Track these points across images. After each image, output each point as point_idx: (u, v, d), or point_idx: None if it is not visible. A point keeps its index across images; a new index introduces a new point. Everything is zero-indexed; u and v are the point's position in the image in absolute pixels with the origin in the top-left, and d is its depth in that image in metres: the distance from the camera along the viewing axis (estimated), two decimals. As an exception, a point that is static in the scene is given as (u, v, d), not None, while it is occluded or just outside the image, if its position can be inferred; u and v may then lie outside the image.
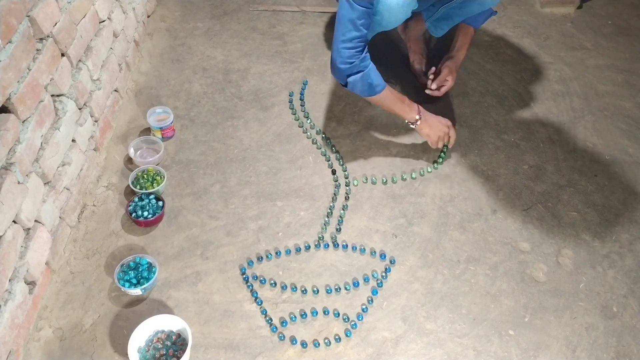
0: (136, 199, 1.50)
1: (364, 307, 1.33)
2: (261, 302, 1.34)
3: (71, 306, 1.32)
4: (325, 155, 1.69)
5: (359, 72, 1.47)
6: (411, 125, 1.62)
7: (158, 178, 1.57)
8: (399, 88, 1.88)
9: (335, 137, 1.75)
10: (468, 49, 1.78)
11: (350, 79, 1.49)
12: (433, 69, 1.78)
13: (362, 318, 1.31)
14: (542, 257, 1.44)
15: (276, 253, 1.44)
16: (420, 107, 1.61)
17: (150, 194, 1.51)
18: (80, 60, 1.50)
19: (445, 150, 1.68)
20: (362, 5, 1.39)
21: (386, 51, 2.06)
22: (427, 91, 1.76)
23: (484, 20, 1.74)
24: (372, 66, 1.50)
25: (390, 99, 1.56)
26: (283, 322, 1.30)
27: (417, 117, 1.59)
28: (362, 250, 1.45)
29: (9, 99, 1.16)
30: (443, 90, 1.75)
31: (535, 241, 1.47)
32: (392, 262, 1.42)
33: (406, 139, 1.74)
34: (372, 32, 1.70)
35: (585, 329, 1.29)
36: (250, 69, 2.00)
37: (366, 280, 1.39)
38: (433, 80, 1.76)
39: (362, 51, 1.46)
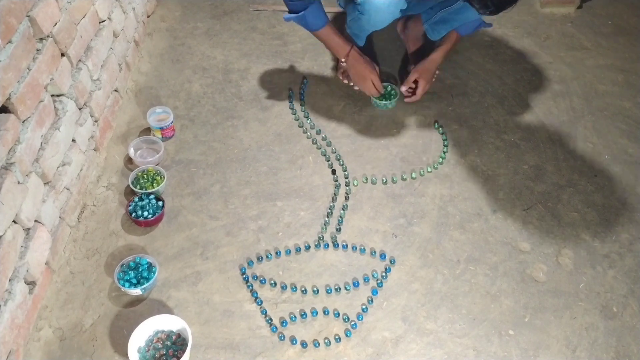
0: (136, 199, 1.50)
1: (364, 307, 1.33)
2: (261, 302, 1.34)
3: (71, 306, 1.32)
4: (325, 155, 1.69)
5: (298, 12, 1.61)
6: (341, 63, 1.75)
7: (158, 178, 1.57)
8: (398, 87, 1.88)
9: (335, 137, 1.75)
10: (447, 54, 1.78)
11: (286, 16, 1.65)
12: (411, 67, 1.81)
13: (362, 318, 1.31)
14: (542, 257, 1.44)
15: (276, 253, 1.44)
16: (352, 53, 1.69)
17: (150, 194, 1.51)
18: (80, 60, 1.50)
19: (391, 95, 1.79)
20: None
21: (386, 51, 2.06)
22: (406, 100, 1.80)
23: (473, 29, 1.74)
24: (312, 7, 1.59)
25: (322, 39, 1.69)
26: (283, 322, 1.30)
27: (343, 60, 1.71)
28: (362, 250, 1.45)
29: (9, 99, 1.16)
30: (418, 93, 1.76)
31: (535, 241, 1.47)
32: (392, 262, 1.42)
33: (406, 139, 1.74)
34: (363, 31, 1.71)
35: (585, 329, 1.29)
36: (250, 69, 2.00)
37: (366, 280, 1.39)
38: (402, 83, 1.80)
39: None
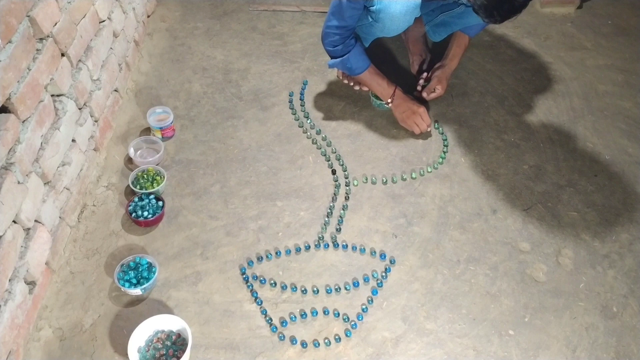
0: (136, 199, 1.50)
1: (364, 307, 1.33)
2: (261, 302, 1.34)
3: (71, 306, 1.32)
4: (325, 155, 1.69)
5: (339, 57, 1.64)
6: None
7: (158, 178, 1.57)
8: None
9: (335, 137, 1.75)
10: (461, 58, 1.80)
11: (330, 62, 1.69)
12: (425, 74, 1.83)
13: (362, 318, 1.31)
14: (542, 257, 1.44)
15: (276, 253, 1.44)
16: (397, 91, 1.71)
17: (150, 194, 1.51)
18: (80, 60, 1.50)
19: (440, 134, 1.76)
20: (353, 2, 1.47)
21: (387, 49, 2.06)
22: (415, 94, 1.82)
23: (480, 29, 1.75)
24: (354, 51, 1.63)
25: (367, 82, 1.72)
26: (283, 322, 1.30)
27: (389, 100, 1.72)
28: (362, 250, 1.45)
29: (9, 99, 1.16)
30: (432, 96, 1.78)
31: (535, 241, 1.47)
32: (392, 262, 1.42)
33: (406, 139, 1.74)
34: (372, 36, 1.70)
35: (585, 329, 1.29)
36: (250, 69, 2.00)
37: (366, 280, 1.39)
38: (423, 87, 1.81)
39: (346, 38, 1.60)
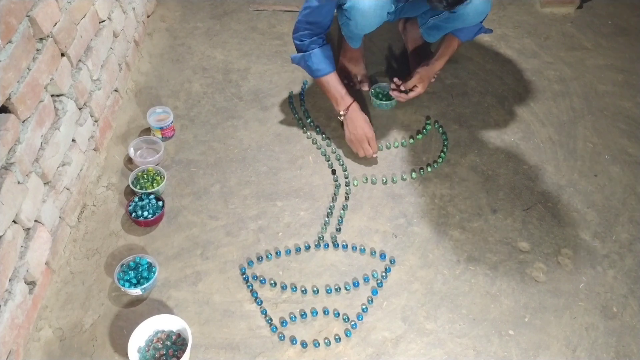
0: (136, 199, 1.50)
1: (364, 307, 1.33)
2: (261, 302, 1.34)
3: (71, 306, 1.32)
4: (325, 155, 1.69)
5: (302, 52, 1.61)
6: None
7: (158, 178, 1.57)
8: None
9: (335, 137, 1.75)
10: (447, 60, 1.77)
11: (292, 56, 1.67)
12: (408, 79, 1.76)
13: (362, 318, 1.31)
14: (542, 257, 1.44)
15: (276, 253, 1.44)
16: (353, 107, 1.64)
17: (150, 194, 1.51)
18: (80, 60, 1.50)
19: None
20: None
21: (387, 49, 2.06)
22: (391, 93, 1.77)
23: (473, 35, 1.73)
24: (318, 51, 1.59)
25: (325, 86, 1.65)
26: (283, 322, 1.30)
27: (342, 112, 1.65)
28: (362, 250, 1.45)
29: (9, 99, 1.16)
30: (411, 95, 1.73)
31: (535, 241, 1.47)
32: (392, 262, 1.42)
33: (406, 139, 1.74)
34: (353, 35, 1.70)
35: (585, 329, 1.29)
36: (250, 69, 2.00)
37: (366, 280, 1.39)
38: (402, 83, 1.76)
39: (313, 35, 1.58)
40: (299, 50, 1.63)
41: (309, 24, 1.56)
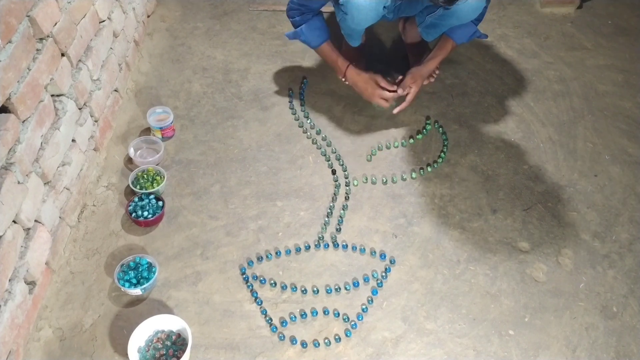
0: (136, 199, 1.50)
1: (364, 307, 1.33)
2: (261, 302, 1.34)
3: (71, 306, 1.32)
4: (325, 155, 1.69)
5: (297, 27, 1.69)
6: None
7: (158, 178, 1.57)
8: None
9: (335, 137, 1.75)
10: (441, 61, 1.77)
11: (286, 33, 1.77)
12: (400, 77, 1.75)
13: (362, 318, 1.31)
14: (542, 257, 1.44)
15: (276, 253, 1.44)
16: (350, 69, 1.73)
17: (150, 194, 1.51)
18: (80, 60, 1.50)
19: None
20: None
21: (387, 50, 2.06)
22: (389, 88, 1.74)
23: (467, 37, 1.73)
24: (310, 23, 1.67)
25: (323, 55, 1.76)
26: (283, 322, 1.30)
27: (342, 79, 1.77)
28: (362, 250, 1.45)
29: (9, 99, 1.16)
30: (408, 100, 1.71)
31: (535, 241, 1.47)
32: (392, 262, 1.42)
33: (406, 139, 1.74)
34: (351, 31, 1.71)
35: (585, 329, 1.29)
36: (250, 69, 2.00)
37: (366, 280, 1.39)
38: (398, 85, 1.72)
39: (304, 13, 1.65)
40: (293, 25, 1.71)
41: (300, 5, 1.62)
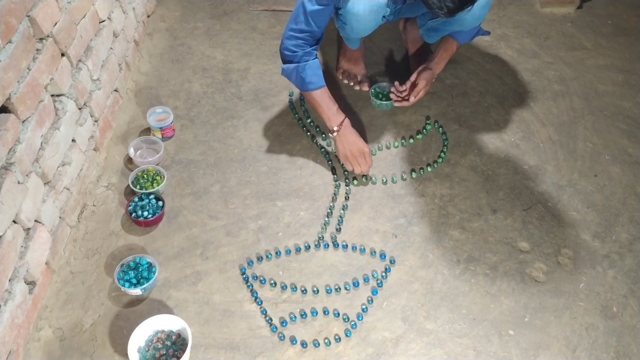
0: (136, 199, 1.50)
1: (364, 307, 1.33)
2: (261, 302, 1.34)
3: (71, 306, 1.32)
4: (325, 155, 1.69)
5: (296, 63, 1.51)
6: (329, 135, 1.64)
7: (158, 178, 1.57)
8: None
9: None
10: (447, 63, 1.76)
11: (284, 66, 1.55)
12: (408, 83, 1.71)
13: (362, 318, 1.31)
14: (542, 257, 1.44)
15: (276, 253, 1.44)
16: (346, 123, 1.57)
17: (150, 194, 1.51)
18: (80, 60, 1.50)
19: (365, 178, 1.62)
20: (321, 3, 1.42)
21: (387, 50, 2.06)
22: (392, 96, 1.73)
23: (470, 38, 1.73)
24: (312, 63, 1.51)
25: (317, 101, 1.55)
26: (283, 322, 1.30)
27: (335, 129, 1.56)
28: (362, 250, 1.45)
29: (9, 99, 1.16)
30: (411, 101, 1.69)
31: (535, 241, 1.47)
32: (392, 262, 1.42)
33: (406, 139, 1.74)
34: (351, 37, 1.70)
35: (585, 329, 1.29)
36: (250, 69, 2.00)
37: (366, 280, 1.39)
38: (410, 91, 1.70)
39: (308, 45, 1.50)
40: (289, 61, 1.53)
41: (302, 32, 1.47)
